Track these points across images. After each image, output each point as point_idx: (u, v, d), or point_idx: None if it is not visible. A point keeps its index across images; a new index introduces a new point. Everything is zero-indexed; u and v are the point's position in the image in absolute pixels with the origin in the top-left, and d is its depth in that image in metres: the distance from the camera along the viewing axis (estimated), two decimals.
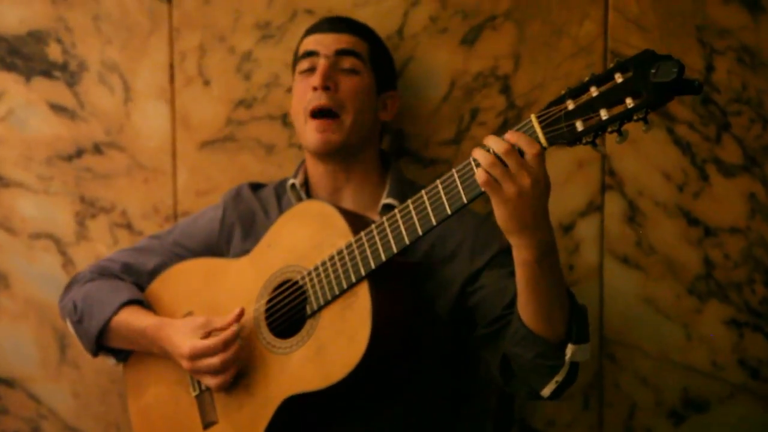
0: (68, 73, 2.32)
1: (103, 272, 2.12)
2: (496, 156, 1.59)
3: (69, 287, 2.14)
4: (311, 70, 2.03)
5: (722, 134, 2.17)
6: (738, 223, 2.18)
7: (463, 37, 2.22)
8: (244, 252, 2.04)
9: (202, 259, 2.08)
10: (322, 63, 2.02)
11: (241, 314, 1.91)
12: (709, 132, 2.18)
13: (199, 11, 2.28)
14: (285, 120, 2.27)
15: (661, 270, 2.20)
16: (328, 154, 2.02)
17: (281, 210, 2.08)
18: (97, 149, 2.33)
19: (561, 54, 2.19)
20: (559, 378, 1.73)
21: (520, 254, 1.66)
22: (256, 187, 2.16)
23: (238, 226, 2.10)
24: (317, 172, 2.07)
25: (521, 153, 1.59)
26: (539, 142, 1.59)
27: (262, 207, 2.11)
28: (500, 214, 1.62)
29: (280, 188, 2.13)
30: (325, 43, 2.05)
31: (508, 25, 2.20)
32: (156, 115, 2.31)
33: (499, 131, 2.17)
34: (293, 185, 2.08)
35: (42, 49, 2.32)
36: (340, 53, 2.04)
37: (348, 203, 2.04)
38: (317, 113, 2.00)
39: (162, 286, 2.09)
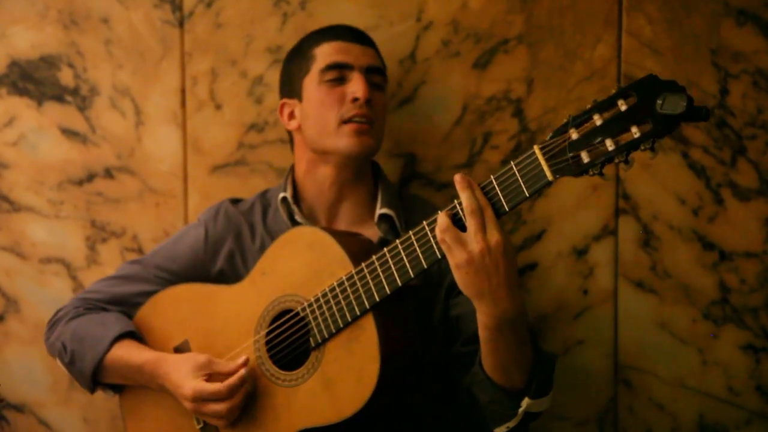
0: (80, 97, 2.32)
1: (87, 305, 2.06)
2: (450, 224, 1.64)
3: (54, 325, 2.07)
4: (341, 80, 2.02)
5: (737, 158, 2.16)
6: (754, 248, 2.17)
7: (475, 60, 2.21)
8: (233, 272, 2.02)
9: (192, 284, 2.04)
10: (362, 77, 2.01)
11: (246, 362, 1.88)
12: (724, 156, 2.16)
13: (211, 36, 2.28)
14: None
15: (676, 295, 2.18)
16: (360, 158, 2.02)
17: (266, 223, 2.06)
18: (108, 173, 2.32)
19: (574, 78, 2.18)
20: (510, 425, 1.76)
21: (480, 318, 1.69)
22: (235, 201, 2.14)
23: (224, 244, 2.07)
24: (323, 183, 2.04)
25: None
26: (545, 176, 1.58)
27: (247, 221, 2.08)
28: (455, 277, 1.66)
29: (263, 200, 2.11)
30: (355, 54, 2.03)
31: (520, 49, 2.20)
32: (167, 139, 2.30)
33: (512, 155, 2.17)
34: (284, 198, 2.06)
35: (54, 74, 2.32)
36: (371, 70, 2.04)
37: (346, 215, 2.04)
38: (358, 121, 2.00)
39: (152, 312, 2.04)
